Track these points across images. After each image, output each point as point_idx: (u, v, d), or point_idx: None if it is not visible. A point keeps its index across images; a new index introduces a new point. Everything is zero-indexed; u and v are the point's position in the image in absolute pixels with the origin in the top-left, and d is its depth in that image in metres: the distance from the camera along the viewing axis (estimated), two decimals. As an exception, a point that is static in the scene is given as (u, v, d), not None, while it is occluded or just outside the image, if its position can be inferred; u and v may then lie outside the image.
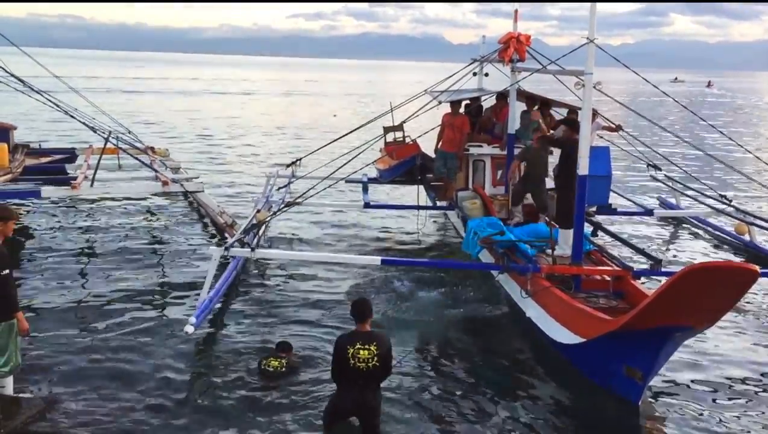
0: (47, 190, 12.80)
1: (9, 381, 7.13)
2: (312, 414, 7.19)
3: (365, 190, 15.14)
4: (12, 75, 12.76)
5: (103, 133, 13.53)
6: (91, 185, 12.76)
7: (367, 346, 6.37)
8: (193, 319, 8.66)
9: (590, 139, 11.72)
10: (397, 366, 7.24)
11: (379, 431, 6.71)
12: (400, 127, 15.37)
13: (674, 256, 13.71)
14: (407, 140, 15.41)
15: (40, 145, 17.97)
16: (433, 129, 14.00)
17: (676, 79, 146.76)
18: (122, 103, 44.70)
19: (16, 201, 15.20)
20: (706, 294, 6.18)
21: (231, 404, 7.40)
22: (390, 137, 15.53)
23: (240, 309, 10.17)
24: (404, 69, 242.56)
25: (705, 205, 15.42)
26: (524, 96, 13.88)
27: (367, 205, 14.35)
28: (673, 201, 17.27)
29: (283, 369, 7.91)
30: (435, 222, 16.08)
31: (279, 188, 14.49)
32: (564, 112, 14.60)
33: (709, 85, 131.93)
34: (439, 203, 14.57)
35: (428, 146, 14.79)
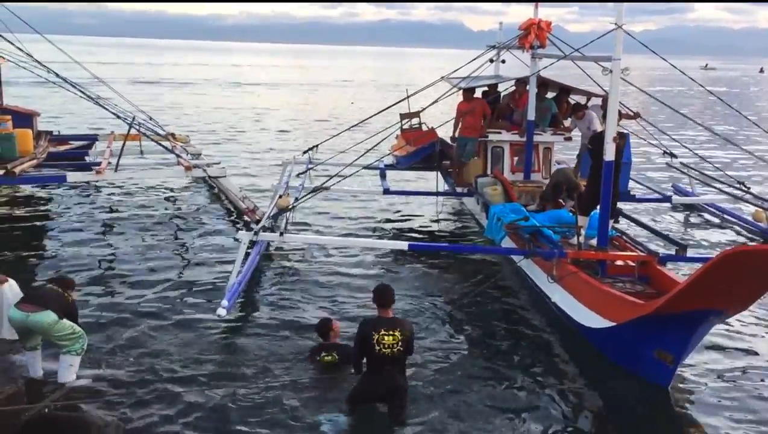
0: (73, 176, 12.95)
1: (76, 361, 7.31)
2: (337, 396, 7.24)
3: (383, 176, 15.25)
4: (37, 62, 12.84)
5: (126, 119, 13.66)
6: (115, 170, 12.89)
7: (391, 332, 6.46)
8: (224, 302, 8.78)
9: (596, 125, 11.80)
10: (419, 350, 7.27)
11: (404, 417, 6.78)
12: (416, 114, 15.45)
13: (694, 242, 13.77)
14: (423, 127, 15.51)
15: (59, 132, 18.17)
16: (450, 120, 14.04)
17: (706, 66, 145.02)
18: (140, 90, 44.71)
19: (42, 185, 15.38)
20: (743, 278, 6.27)
21: (262, 386, 7.47)
22: (406, 124, 15.63)
23: (266, 292, 10.31)
24: (424, 56, 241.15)
25: (722, 191, 15.46)
26: (539, 82, 13.90)
27: (386, 192, 14.44)
28: (688, 188, 17.32)
29: (336, 361, 7.78)
30: (453, 208, 16.17)
31: (298, 174, 14.61)
32: (583, 99, 14.69)
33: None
34: (457, 189, 14.65)
35: (444, 133, 14.88)
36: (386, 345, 6.41)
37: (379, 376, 6.58)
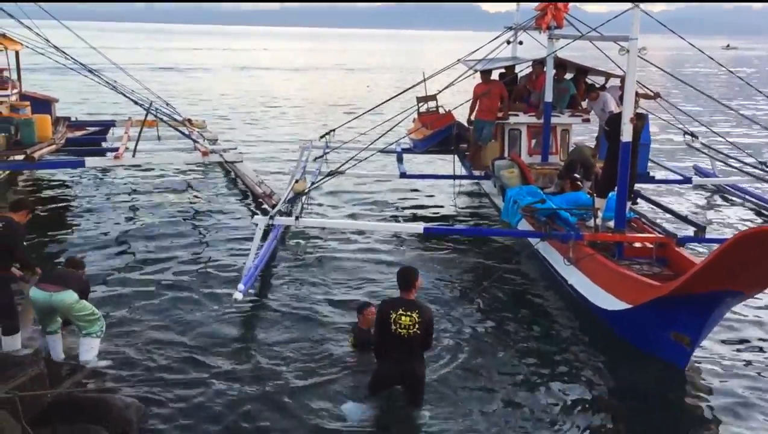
0: (91, 161, 13.10)
1: (96, 344, 7.43)
2: (355, 381, 7.30)
3: (400, 160, 15.24)
4: (55, 48, 12.93)
5: (144, 105, 13.75)
6: (133, 155, 12.98)
7: (409, 313, 6.42)
8: (241, 286, 8.84)
9: (610, 106, 11.67)
10: (434, 335, 7.23)
11: (421, 402, 6.78)
12: (433, 98, 15.36)
13: (714, 224, 13.63)
14: (440, 110, 15.43)
15: (76, 118, 18.35)
16: (466, 101, 13.95)
17: (728, 46, 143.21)
18: (156, 76, 44.84)
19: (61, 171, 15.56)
20: (760, 259, 6.19)
21: (279, 369, 7.54)
22: (423, 108, 15.55)
23: (283, 276, 10.35)
24: (440, 39, 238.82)
25: (744, 172, 15.26)
26: (556, 64, 13.73)
27: (403, 175, 14.43)
28: (710, 169, 17.12)
29: (354, 344, 7.88)
30: (470, 192, 16.11)
31: (315, 158, 14.62)
32: (602, 80, 14.52)
33: None
34: (474, 172, 14.59)
35: (461, 116, 14.79)
36: (403, 326, 6.40)
37: (393, 361, 6.57)
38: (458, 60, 14.75)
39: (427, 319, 6.51)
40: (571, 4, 13.11)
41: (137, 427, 6.32)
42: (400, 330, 6.40)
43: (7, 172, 14.60)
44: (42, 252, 10.79)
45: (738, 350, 8.35)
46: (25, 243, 7.98)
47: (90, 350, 7.38)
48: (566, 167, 11.97)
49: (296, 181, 12.52)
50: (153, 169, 16.70)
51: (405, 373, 6.58)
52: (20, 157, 12.48)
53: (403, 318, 6.41)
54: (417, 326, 6.42)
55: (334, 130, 15.20)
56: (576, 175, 11.81)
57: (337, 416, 6.73)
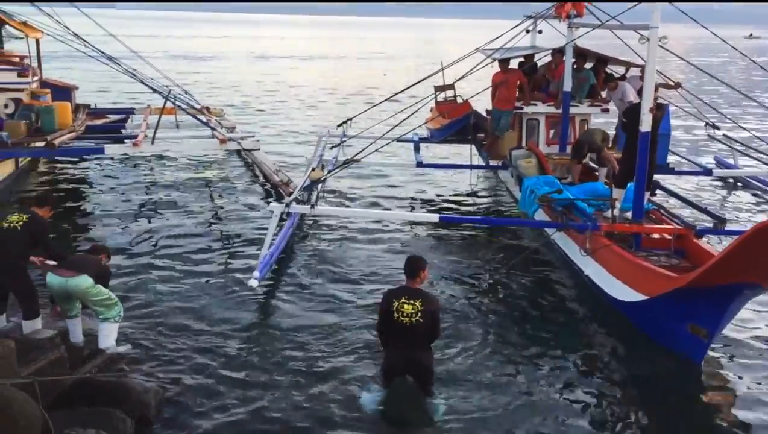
0: (110, 148, 13.22)
1: (114, 329, 7.52)
2: (368, 370, 7.32)
3: (417, 149, 15.21)
4: (75, 35, 13.02)
5: (162, 93, 13.83)
6: (152, 143, 13.08)
7: (411, 301, 6.38)
8: (256, 273, 8.90)
9: (629, 97, 11.56)
10: (449, 324, 7.21)
11: (432, 391, 6.77)
12: (451, 87, 15.30)
13: (735, 216, 13.48)
14: (458, 99, 15.37)
15: (96, 105, 18.50)
16: (483, 90, 13.88)
17: (750, 35, 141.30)
18: (173, 64, 44.96)
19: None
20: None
21: (295, 356, 7.59)
22: (441, 97, 15.49)
23: (298, 264, 10.40)
24: (457, 27, 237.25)
25: (766, 164, 15.04)
26: (576, 53, 13.62)
27: (419, 164, 14.41)
28: (731, 160, 16.90)
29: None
30: (487, 181, 16.06)
31: (332, 147, 14.64)
32: (622, 70, 14.39)
33: None
34: (492, 162, 14.53)
35: (479, 105, 14.71)
36: (405, 314, 6.36)
37: (397, 350, 6.56)
38: (477, 49, 14.68)
39: (432, 309, 6.46)
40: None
41: (155, 411, 6.40)
42: (402, 319, 6.36)
43: (28, 159, 14.78)
44: (60, 242, 10.89)
45: (756, 343, 8.26)
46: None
47: (108, 335, 7.47)
48: (574, 148, 12.06)
49: (313, 169, 12.56)
50: (171, 157, 16.83)
51: (409, 363, 6.56)
52: (41, 144, 12.62)
53: (405, 306, 6.37)
54: (419, 314, 6.35)
55: (351, 119, 15.23)
56: (585, 159, 11.80)
57: (351, 404, 6.76)
